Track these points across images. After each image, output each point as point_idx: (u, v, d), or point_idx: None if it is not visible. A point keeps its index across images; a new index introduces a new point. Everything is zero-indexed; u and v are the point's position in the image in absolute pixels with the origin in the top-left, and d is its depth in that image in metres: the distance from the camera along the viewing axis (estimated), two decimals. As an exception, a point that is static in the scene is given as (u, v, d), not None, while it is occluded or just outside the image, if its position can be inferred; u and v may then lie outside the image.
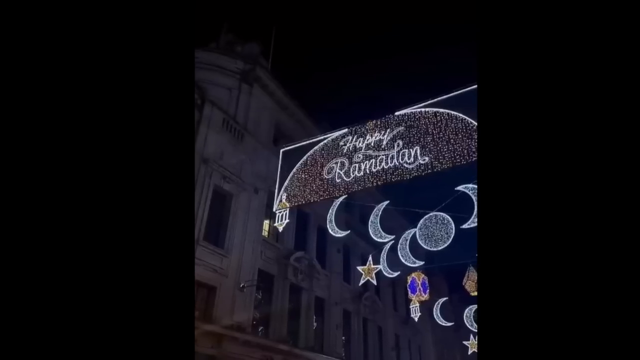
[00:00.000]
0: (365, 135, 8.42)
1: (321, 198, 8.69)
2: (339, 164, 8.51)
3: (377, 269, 11.22)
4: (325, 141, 9.08)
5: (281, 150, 9.97)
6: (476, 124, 7.32)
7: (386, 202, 10.60)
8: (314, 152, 9.10)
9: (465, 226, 8.84)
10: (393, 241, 10.41)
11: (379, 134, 8.23)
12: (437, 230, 9.07)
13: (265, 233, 14.65)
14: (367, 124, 8.53)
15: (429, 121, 7.76)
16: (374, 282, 11.96)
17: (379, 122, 8.38)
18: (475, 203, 8.63)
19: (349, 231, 11.13)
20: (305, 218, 17.09)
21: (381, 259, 11.23)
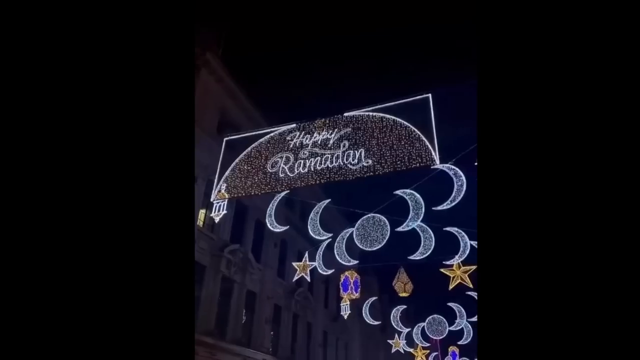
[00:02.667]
0: (313, 133, 8.44)
1: (263, 192, 8.59)
2: (283, 159, 8.46)
3: (313, 266, 11.33)
4: (272, 134, 8.98)
5: (225, 139, 9.70)
6: (418, 132, 7.63)
7: (327, 201, 10.72)
8: (259, 144, 8.97)
9: (400, 229, 9.18)
10: (330, 239, 10.56)
11: (326, 133, 8.30)
12: (373, 231, 9.33)
13: (200, 223, 14.21)
14: (316, 122, 8.56)
15: (375, 125, 7.95)
16: (308, 278, 12.07)
17: (327, 121, 8.45)
18: (411, 207, 8.99)
19: (288, 227, 11.10)
20: (243, 210, 16.81)
21: (317, 256, 11.34)
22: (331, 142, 8.17)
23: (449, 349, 28.77)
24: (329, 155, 8.02)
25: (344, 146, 7.99)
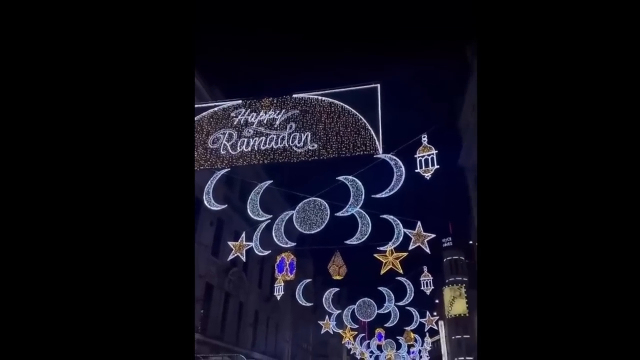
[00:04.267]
0: (259, 111, 8.22)
1: (202, 167, 8.26)
2: (226, 136, 8.18)
3: (249, 246, 11.20)
4: (215, 109, 8.62)
5: (165, 110, 9.16)
6: (365, 120, 7.72)
7: (269, 182, 10.58)
8: (201, 118, 8.58)
9: (339, 214, 9.32)
10: (269, 221, 10.48)
11: (273, 113, 8.12)
12: (313, 214, 9.39)
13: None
14: (263, 100, 8.34)
15: (323, 110, 7.91)
16: (244, 258, 11.93)
17: (275, 101, 8.26)
18: (352, 194, 9.15)
19: (226, 205, 10.83)
20: (181, 186, 16.14)
21: (254, 237, 11.22)
22: (277, 122, 8.01)
23: (376, 331, 30.22)
24: (274, 136, 7.88)
25: (290, 128, 7.87)
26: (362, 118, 7.63)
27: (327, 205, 9.39)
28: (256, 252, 11.53)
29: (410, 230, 10.45)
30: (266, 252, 11.84)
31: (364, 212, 9.78)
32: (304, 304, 19.40)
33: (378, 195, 8.62)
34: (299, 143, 7.67)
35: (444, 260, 42.04)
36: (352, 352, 32.38)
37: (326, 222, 9.35)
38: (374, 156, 7.67)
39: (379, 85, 7.79)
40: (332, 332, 23.54)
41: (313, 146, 7.59)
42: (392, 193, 8.39)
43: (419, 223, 10.39)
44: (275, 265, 15.28)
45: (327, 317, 21.36)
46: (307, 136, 7.69)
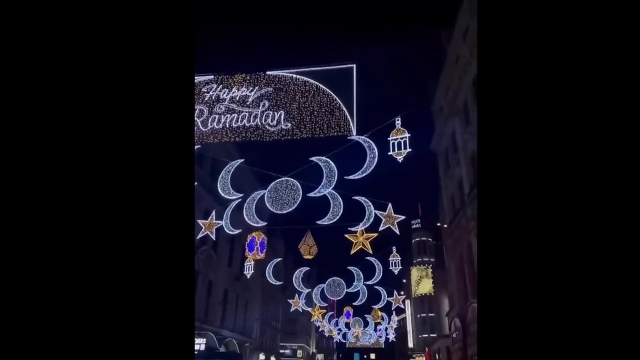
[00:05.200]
0: (232, 88, 7.99)
1: (172, 144, 8.01)
2: (197, 111, 7.93)
3: (219, 225, 11.07)
4: (186, 83, 8.32)
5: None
6: (339, 101, 7.64)
7: (241, 160, 10.41)
8: (171, 93, 8.27)
9: (311, 194, 9.30)
10: (240, 199, 10.35)
11: (246, 90, 7.91)
12: (285, 194, 9.33)
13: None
14: (236, 76, 8.10)
15: (297, 88, 7.77)
16: (213, 237, 11.80)
17: (248, 77, 8.04)
18: (325, 175, 9.13)
19: (196, 183, 10.60)
20: (149, 162, 15.67)
21: (225, 215, 11.09)
22: (250, 99, 7.82)
23: (344, 309, 30.91)
24: (247, 114, 7.70)
25: (263, 106, 7.71)
26: (337, 98, 7.56)
27: (299, 185, 9.35)
28: (226, 230, 11.42)
29: (381, 212, 10.58)
30: (236, 231, 11.75)
31: (336, 193, 9.81)
32: (274, 283, 19.52)
33: (351, 177, 8.64)
34: (272, 121, 7.53)
35: (413, 241, 43.06)
36: (320, 330, 33.08)
37: (298, 202, 9.32)
38: (348, 138, 7.63)
39: (354, 66, 7.70)
40: (301, 310, 23.89)
41: (286, 125, 7.47)
42: (364, 175, 8.42)
43: (389, 205, 10.53)
44: (246, 244, 15.23)
45: (296, 295, 21.60)
46: (280, 115, 7.55)
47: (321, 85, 7.73)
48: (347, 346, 44.72)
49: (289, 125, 7.50)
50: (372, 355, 75.24)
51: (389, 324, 31.85)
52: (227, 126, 7.71)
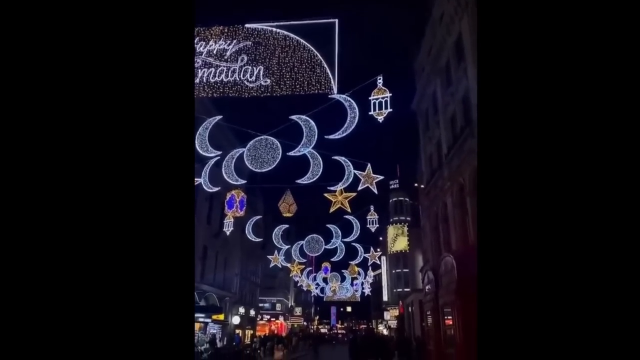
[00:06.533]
0: (209, 41, 7.66)
1: (146, 98, 7.74)
2: (173, 65, 7.62)
3: (197, 182, 10.98)
4: (160, 34, 7.92)
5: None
6: (321, 57, 7.45)
7: (219, 117, 10.18)
8: (144, 44, 7.88)
9: (291, 153, 9.26)
10: (219, 157, 10.23)
11: (224, 43, 7.60)
12: (264, 153, 9.26)
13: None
14: (213, 29, 7.75)
15: (277, 43, 7.52)
16: (192, 195, 11.74)
17: (226, 30, 7.70)
18: (305, 134, 9.05)
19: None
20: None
21: (203, 173, 10.99)
22: (228, 53, 7.54)
23: (322, 265, 31.78)
24: (225, 68, 7.44)
25: (242, 60, 7.45)
26: (318, 55, 7.37)
27: (279, 144, 9.27)
28: (205, 188, 11.35)
29: (360, 172, 10.68)
30: (215, 189, 11.70)
31: (316, 153, 9.79)
32: (253, 240, 19.78)
33: (331, 137, 8.60)
34: (250, 77, 7.31)
35: (390, 201, 44.00)
36: (299, 285, 34.10)
37: (278, 160, 9.28)
38: (329, 96, 7.52)
39: (337, 21, 7.46)
40: (280, 266, 24.45)
41: (266, 81, 7.28)
42: (345, 135, 8.39)
43: (369, 165, 10.62)
44: (225, 202, 15.24)
45: (276, 252, 22.01)
46: (259, 70, 7.33)
47: (302, 41, 7.50)
48: (324, 300, 46.43)
49: (269, 81, 7.32)
50: (349, 308, 78.57)
51: (365, 278, 33.06)
52: (205, 81, 7.47)
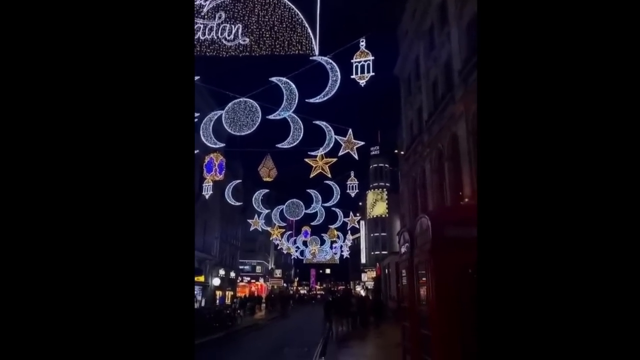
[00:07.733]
0: (184, -6, 7.27)
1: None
2: (146, 20, 7.23)
3: (175, 146, 10.74)
4: (132, -13, 7.46)
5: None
6: (302, 17, 7.17)
7: (196, 78, 9.83)
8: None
9: (271, 117, 9.08)
10: (196, 120, 9.97)
11: (200, -2, 7.22)
12: (243, 116, 9.06)
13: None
14: (188, -19, 7.33)
15: (257, 0, 7.18)
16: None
17: (202, -17, 7.30)
18: (285, 96, 8.86)
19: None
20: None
21: (181, 136, 10.73)
22: (205, 10, 7.17)
23: (302, 229, 32.18)
24: (201, 26, 7.10)
25: (219, 18, 7.12)
26: (299, 13, 7.09)
27: (258, 106, 9.06)
28: (183, 151, 11.12)
29: (341, 137, 10.61)
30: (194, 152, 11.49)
31: (297, 117, 9.63)
32: (233, 204, 19.72)
33: (312, 100, 8.43)
34: (228, 36, 7.00)
35: (370, 167, 44.31)
36: (279, 248, 34.56)
37: (257, 124, 9.10)
38: (310, 58, 7.31)
39: (319, -23, 7.14)
40: (260, 230, 24.62)
41: (245, 40, 6.99)
42: (326, 98, 8.24)
43: (350, 130, 10.56)
44: (204, 165, 15.04)
45: (256, 216, 22.08)
46: (238, 28, 7.02)
47: (283, -2, 7.19)
48: (304, 262, 47.39)
49: (247, 40, 7.04)
50: (328, 270, 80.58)
51: (344, 242, 33.71)
52: (180, 39, 7.14)
